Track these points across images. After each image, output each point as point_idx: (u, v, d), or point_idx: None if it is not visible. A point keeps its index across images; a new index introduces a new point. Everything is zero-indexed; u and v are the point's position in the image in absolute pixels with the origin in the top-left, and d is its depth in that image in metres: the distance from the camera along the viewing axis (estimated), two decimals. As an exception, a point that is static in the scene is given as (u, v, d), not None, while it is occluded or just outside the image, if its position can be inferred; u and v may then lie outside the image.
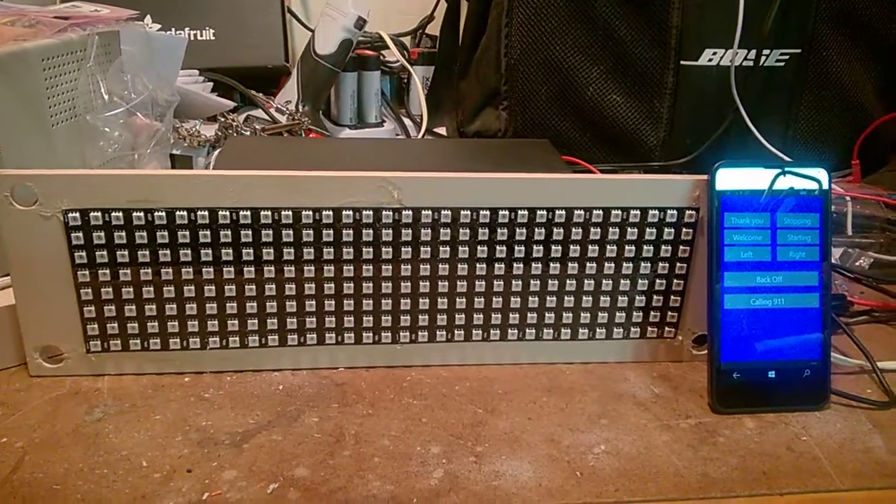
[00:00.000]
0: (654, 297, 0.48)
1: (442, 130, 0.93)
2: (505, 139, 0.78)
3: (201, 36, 0.90)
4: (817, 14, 0.75)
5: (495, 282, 0.46)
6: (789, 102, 0.79)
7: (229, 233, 0.43)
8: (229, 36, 0.91)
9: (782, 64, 0.77)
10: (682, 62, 0.75)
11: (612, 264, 0.47)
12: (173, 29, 0.89)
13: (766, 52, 0.75)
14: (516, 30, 0.75)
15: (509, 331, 0.48)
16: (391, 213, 0.44)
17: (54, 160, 0.57)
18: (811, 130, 0.80)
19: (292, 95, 0.86)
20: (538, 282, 0.47)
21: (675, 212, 0.46)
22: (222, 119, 0.75)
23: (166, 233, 0.43)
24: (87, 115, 0.59)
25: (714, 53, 0.75)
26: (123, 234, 0.42)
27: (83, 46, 0.59)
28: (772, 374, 0.45)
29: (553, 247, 0.46)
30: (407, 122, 0.95)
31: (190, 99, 0.77)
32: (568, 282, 0.47)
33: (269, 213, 0.43)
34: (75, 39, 0.58)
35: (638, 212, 0.45)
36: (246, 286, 0.44)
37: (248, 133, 0.75)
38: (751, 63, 0.75)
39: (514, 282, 0.46)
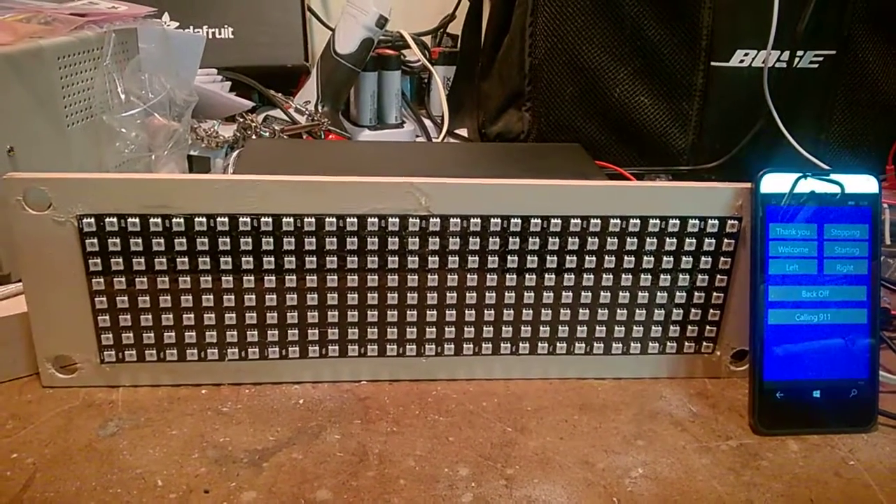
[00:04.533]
0: (692, 310, 0.46)
1: (463, 131, 0.91)
2: (535, 143, 0.76)
3: (220, 34, 0.89)
4: (853, 14, 0.73)
5: (526, 293, 0.44)
6: (823, 105, 0.76)
7: (250, 240, 0.41)
8: (248, 34, 0.90)
9: (816, 66, 0.74)
10: (712, 63, 0.73)
11: (649, 276, 0.44)
12: (192, 27, 0.87)
13: (799, 53, 0.73)
14: (541, 28, 0.73)
15: (539, 344, 0.46)
16: (418, 220, 0.42)
17: (69, 162, 0.55)
18: (846, 134, 0.78)
19: (311, 95, 0.84)
20: (571, 293, 0.45)
21: (716, 221, 0.44)
22: (241, 119, 0.74)
23: (184, 240, 0.41)
24: (103, 116, 0.58)
25: (746, 54, 0.73)
26: (140, 240, 0.41)
27: (100, 44, 0.58)
28: (817, 394, 0.43)
29: (587, 257, 0.44)
30: (427, 122, 0.93)
31: (208, 99, 0.76)
32: (602, 293, 0.45)
33: (292, 219, 0.41)
34: (92, 37, 0.57)
35: (677, 221, 0.43)
36: (266, 296, 0.43)
37: (266, 133, 0.73)
38: (783, 64, 0.73)
39: (545, 293, 0.44)
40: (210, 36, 0.88)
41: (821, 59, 0.74)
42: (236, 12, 0.89)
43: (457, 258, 0.43)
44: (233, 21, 0.89)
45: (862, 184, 0.43)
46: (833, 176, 0.43)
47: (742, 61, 0.73)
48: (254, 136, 0.72)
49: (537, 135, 0.77)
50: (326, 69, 0.83)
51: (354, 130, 0.88)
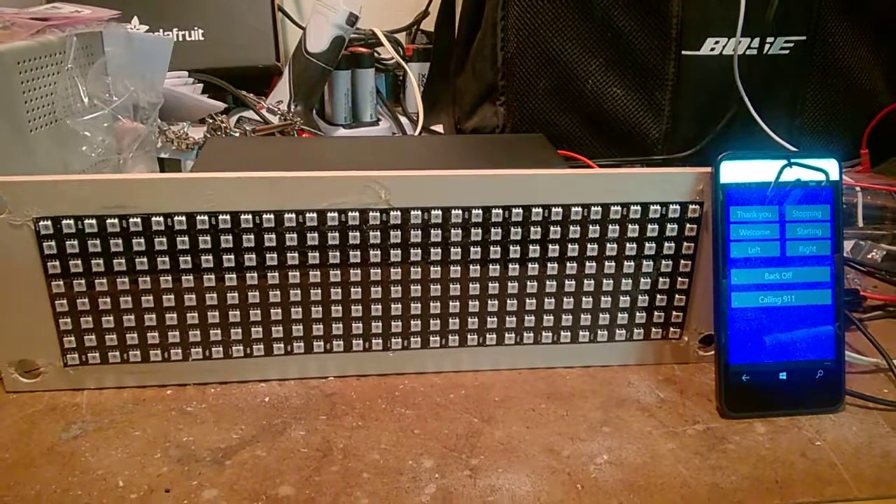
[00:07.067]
0: (658, 296, 0.46)
1: (439, 128, 0.90)
2: (499, 135, 0.76)
3: (190, 36, 0.88)
4: (822, 0, 0.73)
5: (490, 284, 0.44)
6: (795, 91, 0.77)
7: (209, 238, 0.41)
8: (218, 36, 0.89)
9: (787, 52, 0.74)
10: (683, 52, 0.73)
11: (613, 263, 0.44)
12: (161, 30, 0.87)
13: (770, 39, 0.73)
14: (512, 23, 0.73)
15: (506, 334, 0.46)
16: (378, 214, 0.42)
17: (34, 167, 0.55)
18: (818, 119, 0.78)
19: (284, 95, 0.84)
20: (535, 283, 0.44)
21: (677, 206, 0.43)
22: (210, 120, 0.73)
23: (142, 240, 0.41)
24: (67, 120, 0.57)
25: (716, 42, 0.73)
26: (98, 241, 0.40)
27: (62, 48, 0.57)
28: (783, 376, 0.43)
29: (550, 246, 0.44)
30: (403, 120, 0.93)
31: (179, 101, 0.75)
32: (567, 282, 0.45)
33: (250, 216, 0.41)
34: (53, 41, 0.57)
35: (638, 207, 0.43)
36: (228, 294, 0.42)
37: (237, 134, 0.73)
38: (754, 51, 0.73)
39: (509, 283, 0.44)
40: (180, 38, 0.88)
41: (791, 45, 0.74)
42: (206, 14, 0.89)
43: (419, 251, 0.43)
44: (203, 23, 0.88)
45: (823, 165, 0.43)
46: (794, 158, 0.43)
47: (713, 49, 0.73)
48: (223, 137, 0.72)
49: (512, 128, 0.77)
50: (298, 68, 0.83)
51: (329, 129, 0.88)
